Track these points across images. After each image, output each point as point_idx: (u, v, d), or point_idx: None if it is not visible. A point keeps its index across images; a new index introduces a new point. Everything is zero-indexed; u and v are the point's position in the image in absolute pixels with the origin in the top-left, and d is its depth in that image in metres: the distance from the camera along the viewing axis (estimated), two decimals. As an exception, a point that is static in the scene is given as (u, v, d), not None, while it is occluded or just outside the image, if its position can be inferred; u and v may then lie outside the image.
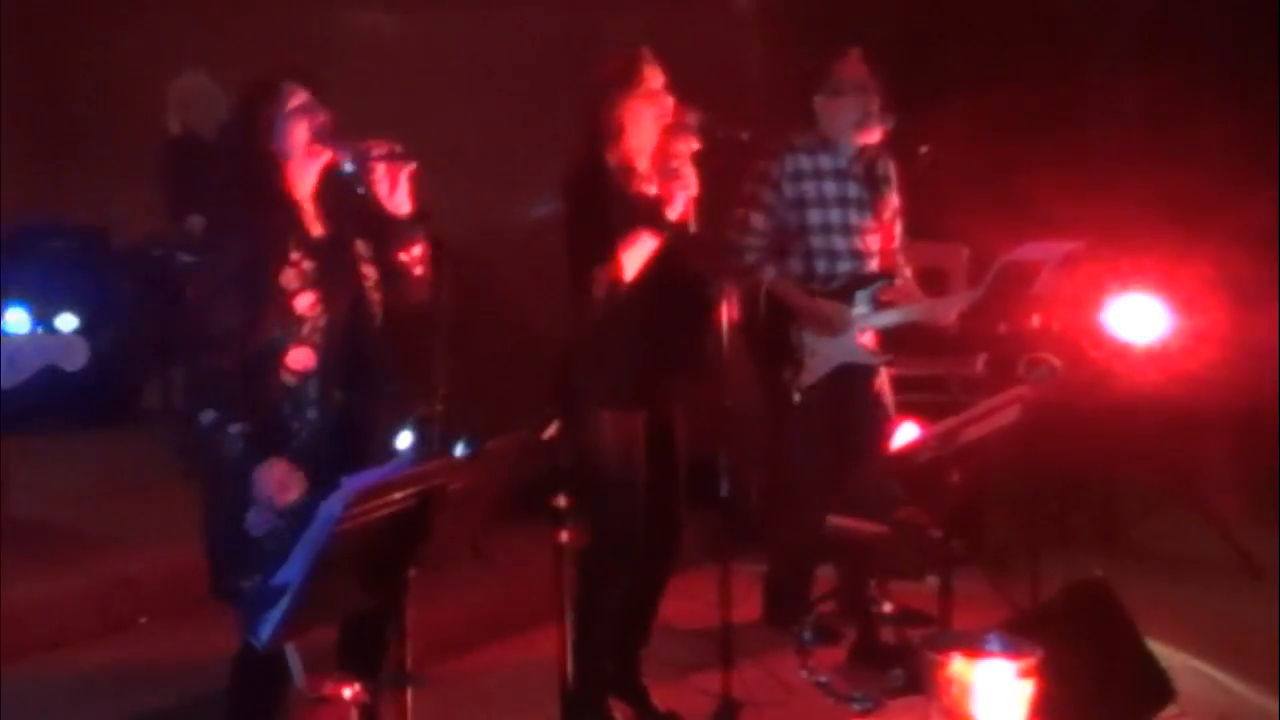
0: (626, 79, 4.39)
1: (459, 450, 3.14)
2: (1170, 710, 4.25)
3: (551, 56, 6.82)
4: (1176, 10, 7.21)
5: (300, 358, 3.69)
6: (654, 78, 4.41)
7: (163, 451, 6.58)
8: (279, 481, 3.56)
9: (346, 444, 3.76)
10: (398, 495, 2.95)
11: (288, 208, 3.75)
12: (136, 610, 5.10)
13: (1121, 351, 6.19)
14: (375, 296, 3.86)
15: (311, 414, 3.72)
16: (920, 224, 5.78)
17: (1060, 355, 4.96)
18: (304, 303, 3.69)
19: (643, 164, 4.44)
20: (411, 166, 3.82)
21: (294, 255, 3.69)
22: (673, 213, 4.36)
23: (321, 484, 3.48)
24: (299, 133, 3.73)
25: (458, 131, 6.63)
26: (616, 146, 4.39)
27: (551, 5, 7.07)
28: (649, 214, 4.33)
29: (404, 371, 3.96)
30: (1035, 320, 5.45)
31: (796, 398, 5.11)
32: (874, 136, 5.22)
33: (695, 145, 4.39)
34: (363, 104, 4.35)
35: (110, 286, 7.61)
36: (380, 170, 3.78)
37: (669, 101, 4.41)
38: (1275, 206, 6.22)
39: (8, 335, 3.25)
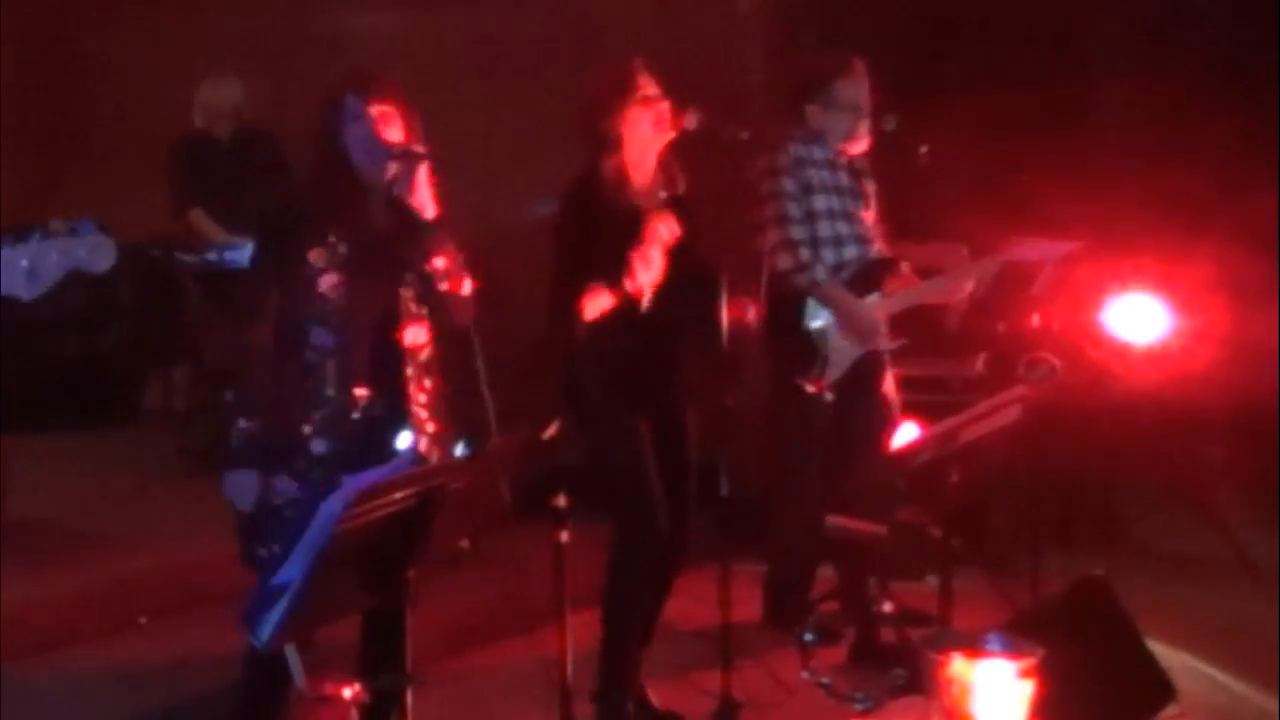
0: (622, 88, 4.41)
1: (459, 450, 3.14)
2: (1170, 710, 4.26)
3: (551, 56, 6.82)
4: (1176, 11, 7.21)
5: (319, 335, 3.73)
6: (649, 86, 4.43)
7: (163, 451, 6.59)
8: (240, 489, 3.65)
9: (361, 435, 3.78)
10: (398, 495, 2.95)
11: (341, 193, 3.80)
12: (136, 610, 5.09)
13: (1121, 351, 6.19)
14: (413, 309, 3.81)
15: (329, 392, 3.74)
16: (920, 224, 5.78)
17: (1060, 355, 4.96)
18: (328, 281, 3.73)
19: (639, 176, 4.44)
20: (424, 164, 3.83)
21: (331, 237, 3.73)
22: (631, 286, 4.33)
23: (339, 465, 3.57)
24: (358, 142, 3.80)
25: (457, 131, 6.61)
26: (613, 158, 4.39)
27: (551, 5, 7.06)
28: (621, 260, 4.30)
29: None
30: (1035, 320, 5.45)
31: (829, 396, 5.08)
32: (859, 149, 5.24)
33: (676, 231, 4.40)
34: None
35: (110, 286, 7.60)
36: (394, 169, 3.81)
37: (665, 107, 4.42)
38: (1275, 206, 6.22)
39: (23, 243, 3.03)
